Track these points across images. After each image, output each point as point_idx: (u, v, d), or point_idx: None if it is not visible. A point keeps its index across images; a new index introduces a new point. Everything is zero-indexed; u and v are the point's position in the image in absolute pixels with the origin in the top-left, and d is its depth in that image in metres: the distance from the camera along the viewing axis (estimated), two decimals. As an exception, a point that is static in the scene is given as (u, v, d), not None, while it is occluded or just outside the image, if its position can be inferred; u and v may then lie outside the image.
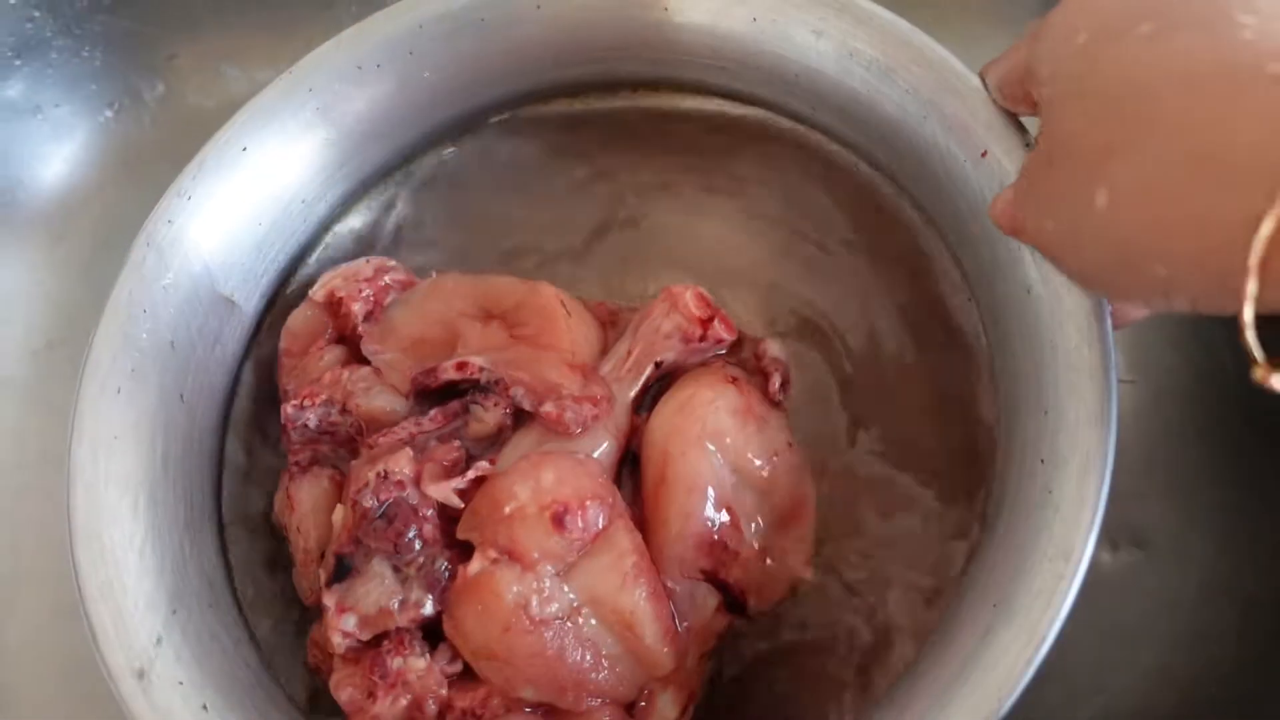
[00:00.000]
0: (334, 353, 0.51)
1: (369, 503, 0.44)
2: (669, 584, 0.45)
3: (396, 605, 0.43)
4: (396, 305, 0.52)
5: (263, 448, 0.53)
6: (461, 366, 0.47)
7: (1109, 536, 0.54)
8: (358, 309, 0.51)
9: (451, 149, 0.57)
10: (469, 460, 0.46)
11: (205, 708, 0.42)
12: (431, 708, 0.43)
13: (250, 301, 0.53)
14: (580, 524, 0.42)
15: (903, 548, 0.48)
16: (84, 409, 0.46)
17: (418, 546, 0.44)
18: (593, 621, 0.43)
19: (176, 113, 0.65)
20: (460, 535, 0.44)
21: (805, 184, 0.55)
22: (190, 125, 0.56)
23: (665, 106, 0.56)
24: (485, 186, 0.57)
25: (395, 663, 0.43)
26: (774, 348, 0.51)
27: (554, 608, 0.42)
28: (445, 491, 0.44)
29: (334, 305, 0.51)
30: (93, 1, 0.63)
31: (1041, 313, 0.43)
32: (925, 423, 0.50)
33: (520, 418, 0.47)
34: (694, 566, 0.45)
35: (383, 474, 0.44)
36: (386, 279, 0.52)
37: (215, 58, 0.65)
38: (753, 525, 0.47)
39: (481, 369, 0.46)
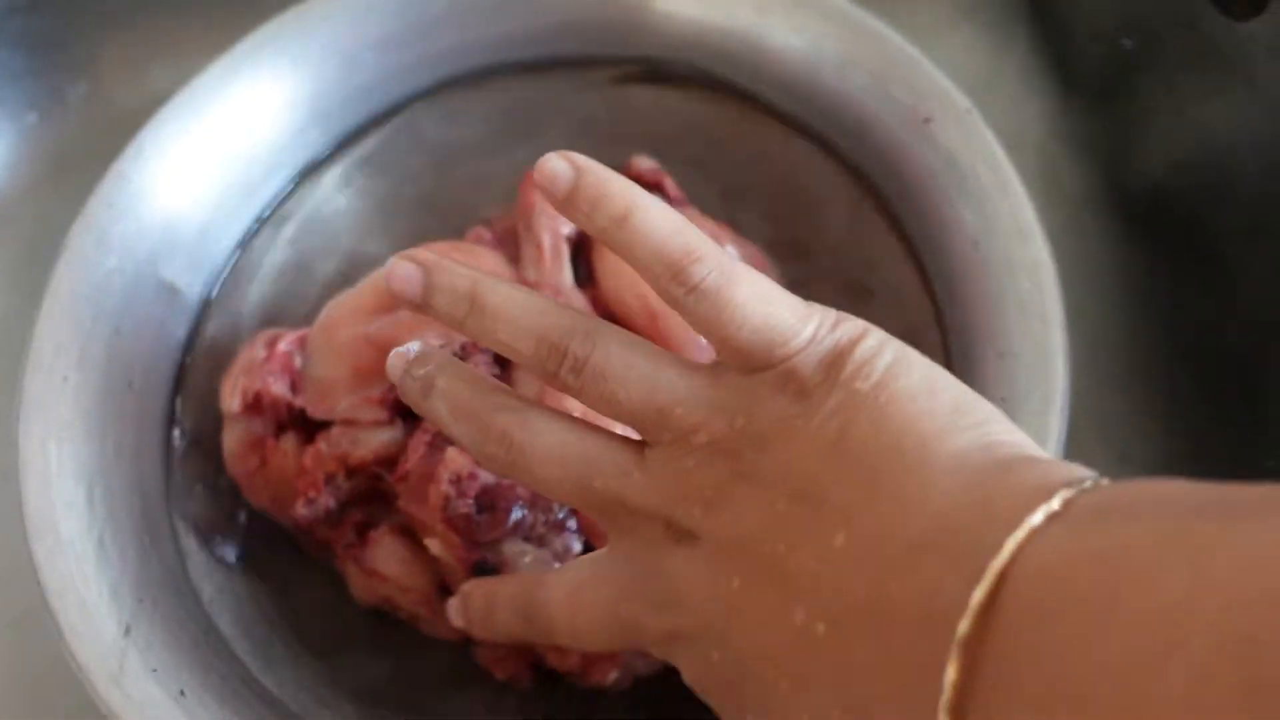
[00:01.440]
0: (290, 441, 0.49)
1: (464, 509, 0.43)
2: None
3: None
4: (310, 363, 0.49)
5: (212, 433, 0.52)
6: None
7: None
8: (279, 390, 0.49)
9: (396, 130, 0.57)
10: None
11: (183, 693, 0.41)
12: None
13: (194, 288, 0.52)
14: None
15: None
16: (30, 400, 0.45)
17: (527, 514, 0.43)
18: None
19: (103, 113, 0.64)
20: None
21: (744, 157, 0.57)
22: (118, 125, 0.54)
23: (599, 83, 0.58)
24: (427, 168, 0.57)
25: None
26: (643, 161, 0.52)
27: None
28: None
29: (255, 405, 0.49)
30: (9, 2, 0.61)
31: (990, 263, 0.46)
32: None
33: (502, 363, 0.47)
34: None
35: (454, 478, 0.43)
36: (282, 346, 0.50)
37: (141, 55, 0.64)
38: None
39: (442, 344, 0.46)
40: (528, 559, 0.44)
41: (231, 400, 0.48)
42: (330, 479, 0.47)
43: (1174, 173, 0.57)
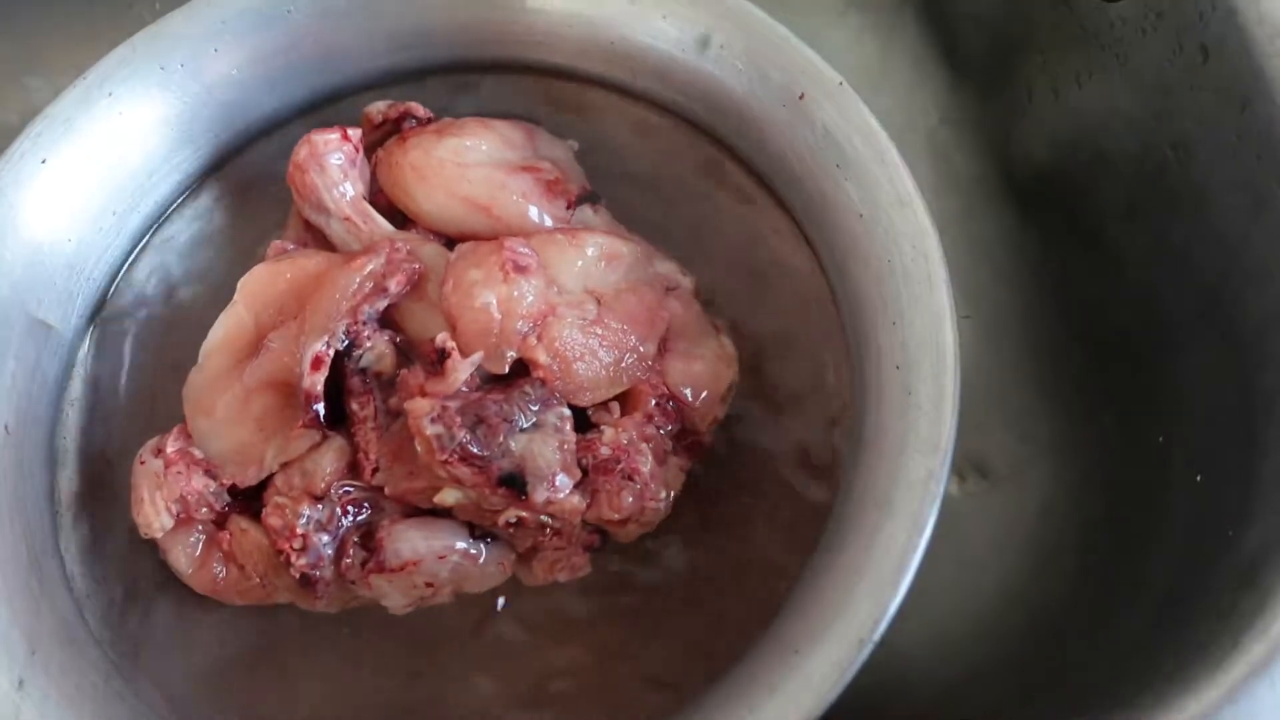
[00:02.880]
0: (239, 521, 0.48)
1: (460, 437, 0.44)
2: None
3: (569, 437, 0.46)
4: (208, 444, 0.48)
5: (101, 474, 0.51)
6: (317, 364, 0.46)
7: (956, 469, 0.59)
8: (200, 484, 0.48)
9: (271, 147, 0.56)
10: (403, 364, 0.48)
11: (85, 744, 0.40)
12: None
13: (68, 323, 0.51)
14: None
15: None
16: (-104, 450, 0.43)
17: (507, 405, 0.45)
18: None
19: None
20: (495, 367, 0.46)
21: (626, 146, 0.57)
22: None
23: (483, 84, 0.57)
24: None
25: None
26: (376, 105, 0.54)
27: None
28: (468, 365, 0.45)
29: (186, 512, 0.48)
30: None
31: (875, 234, 0.47)
32: (772, 358, 0.53)
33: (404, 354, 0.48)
34: None
35: (432, 418, 0.44)
36: (171, 448, 0.48)
37: (14, 68, 0.62)
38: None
39: (327, 344, 0.46)
40: (536, 444, 0.45)
41: (158, 521, 0.47)
42: (320, 528, 0.47)
43: (1056, 154, 0.59)
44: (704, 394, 0.50)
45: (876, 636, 0.39)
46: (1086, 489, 0.56)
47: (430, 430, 0.44)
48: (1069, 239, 0.57)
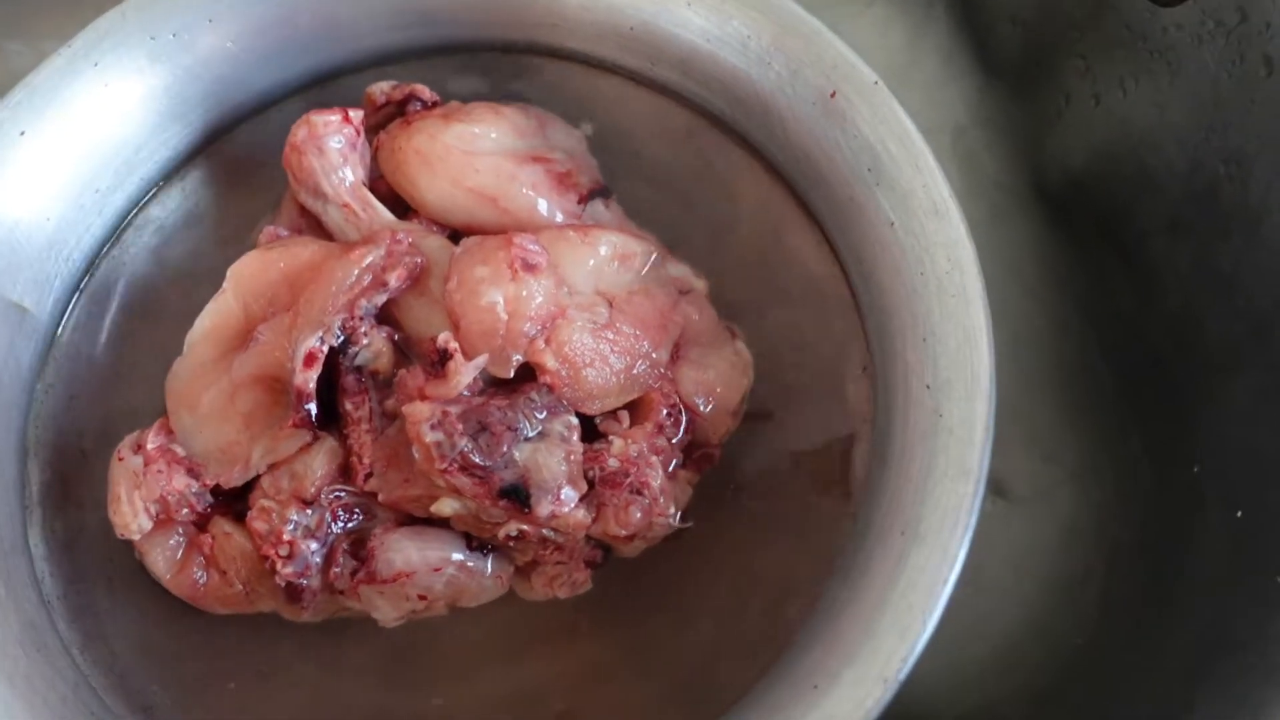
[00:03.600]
0: (222, 525, 0.46)
1: (461, 446, 0.42)
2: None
3: (576, 448, 0.44)
4: (191, 442, 0.46)
5: (75, 467, 0.48)
6: (310, 360, 0.44)
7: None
8: (181, 484, 0.45)
9: (266, 126, 0.53)
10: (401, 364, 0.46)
11: (50, 764, 0.38)
12: None
13: (44, 306, 0.48)
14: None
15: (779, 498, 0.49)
16: None
17: (511, 413, 0.43)
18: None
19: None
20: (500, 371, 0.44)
21: (646, 141, 0.54)
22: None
23: (492, 66, 0.55)
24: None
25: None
26: (380, 85, 0.52)
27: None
28: (472, 368, 0.43)
29: (165, 513, 0.45)
30: None
31: (907, 244, 0.45)
32: (791, 370, 0.51)
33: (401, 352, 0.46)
34: None
35: (433, 424, 0.42)
36: (151, 444, 0.46)
37: None
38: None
39: (321, 339, 0.44)
40: (542, 454, 0.43)
41: (135, 523, 0.45)
42: (309, 535, 0.45)
43: (1094, 162, 0.56)
44: (717, 404, 0.48)
45: (902, 676, 0.37)
46: (1113, 516, 0.54)
47: (429, 437, 0.42)
48: (1103, 253, 0.55)
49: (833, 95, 0.47)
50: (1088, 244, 0.57)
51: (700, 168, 0.54)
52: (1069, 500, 0.55)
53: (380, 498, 0.45)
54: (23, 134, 0.46)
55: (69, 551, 0.47)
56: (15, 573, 0.44)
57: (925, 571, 0.39)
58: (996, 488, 0.56)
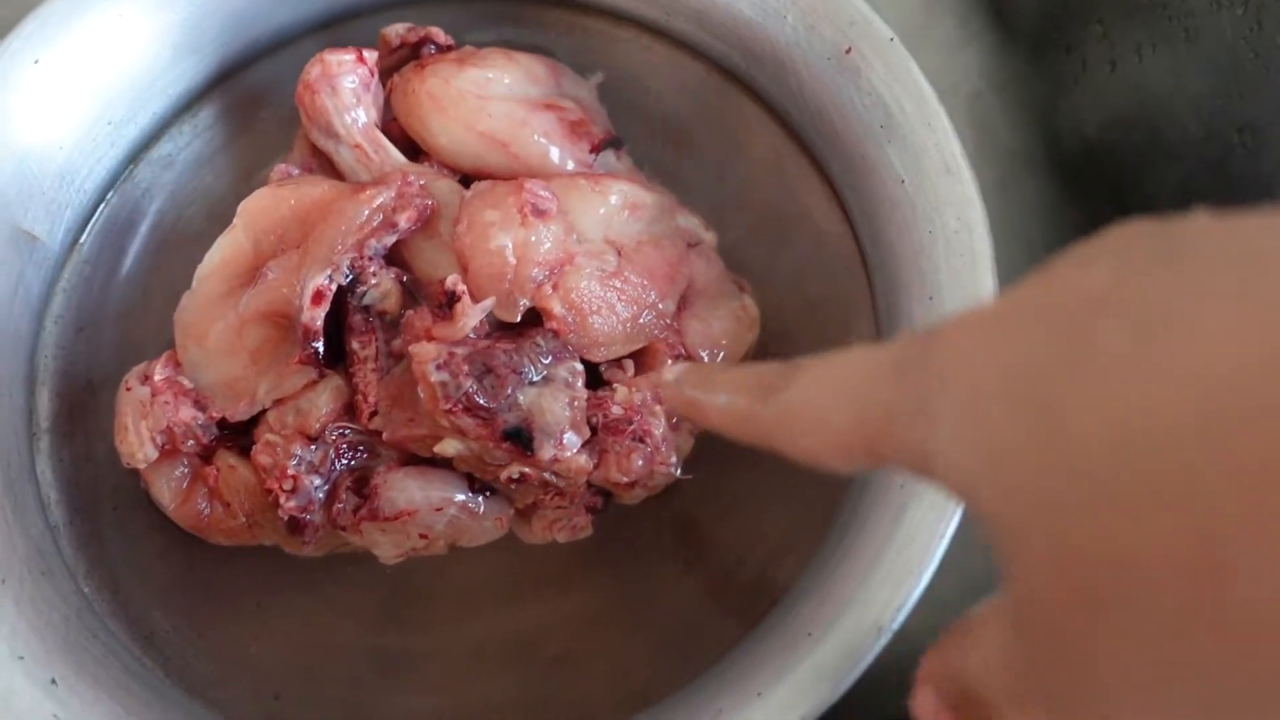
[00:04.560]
0: (227, 457, 0.47)
1: (466, 387, 0.42)
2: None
3: (580, 394, 0.44)
4: (199, 374, 0.46)
5: (83, 397, 0.48)
6: (318, 298, 0.44)
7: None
8: (187, 415, 0.45)
9: (279, 63, 0.53)
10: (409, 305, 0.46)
11: (54, 682, 0.38)
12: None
13: (55, 236, 0.48)
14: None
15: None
16: None
17: (517, 356, 0.43)
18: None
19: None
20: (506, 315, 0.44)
21: (656, 89, 0.54)
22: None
23: (507, 13, 0.55)
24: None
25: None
26: (394, 28, 0.52)
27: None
28: (479, 310, 0.43)
29: (171, 443, 0.45)
30: None
31: (917, 202, 0.45)
32: (797, 326, 0.51)
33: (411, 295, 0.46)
34: None
35: (439, 365, 0.42)
36: (158, 375, 0.46)
37: None
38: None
39: (330, 277, 0.44)
40: (546, 399, 0.43)
41: (141, 452, 0.45)
42: (312, 470, 0.45)
43: (1108, 128, 0.56)
44: (721, 356, 0.48)
45: (895, 625, 0.38)
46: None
47: (435, 377, 0.42)
48: (1114, 220, 0.55)
49: (848, 51, 0.47)
50: (1098, 211, 0.56)
51: (712, 121, 0.54)
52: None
53: (384, 436, 0.45)
54: (36, 63, 0.46)
55: (75, 479, 0.47)
56: (23, 498, 0.44)
57: (922, 526, 0.39)
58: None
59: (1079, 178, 0.57)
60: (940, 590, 0.41)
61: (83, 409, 0.49)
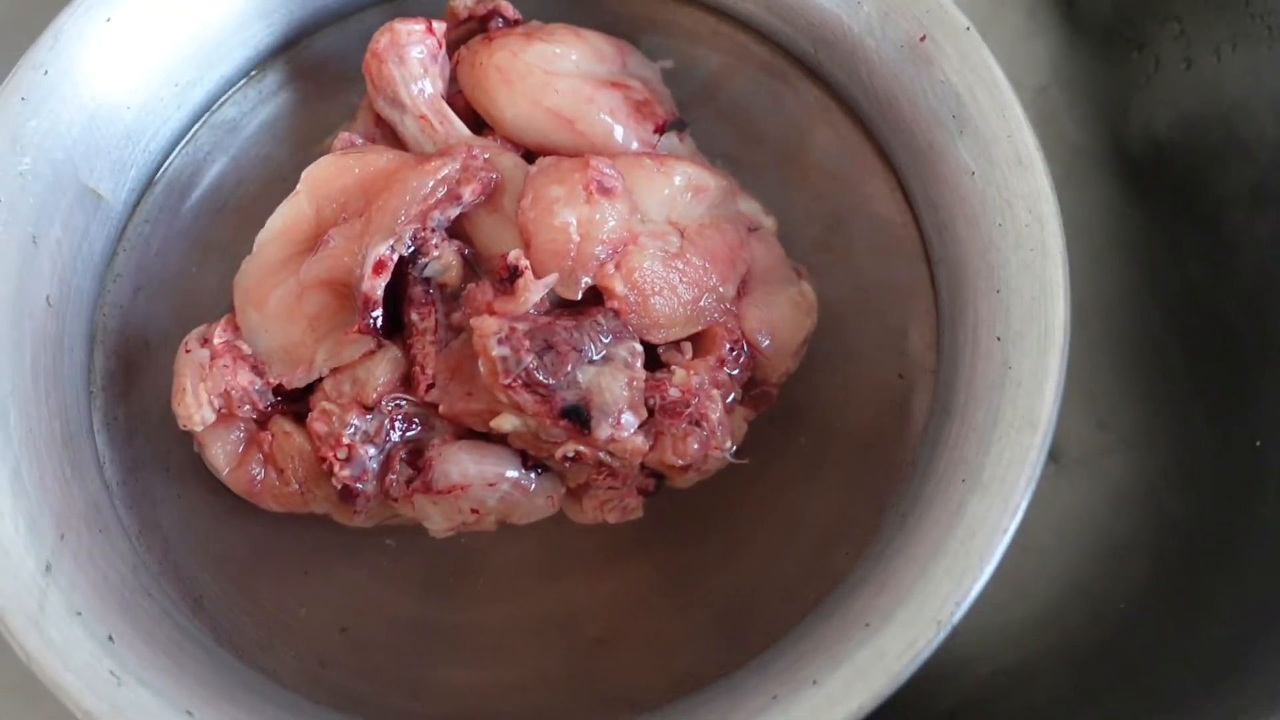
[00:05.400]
0: (282, 424, 0.47)
1: (527, 363, 0.42)
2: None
3: (639, 375, 0.44)
4: (257, 340, 0.46)
5: (140, 357, 0.49)
6: (379, 268, 0.44)
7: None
8: (245, 380, 0.46)
9: (345, 32, 0.53)
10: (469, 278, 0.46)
11: (111, 639, 0.38)
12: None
13: (119, 195, 0.48)
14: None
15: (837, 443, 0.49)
16: (-64, 314, 0.41)
17: (576, 333, 0.43)
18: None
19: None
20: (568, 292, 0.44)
21: (718, 71, 0.54)
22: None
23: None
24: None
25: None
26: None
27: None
28: (541, 286, 0.43)
29: (228, 407, 0.46)
30: None
31: (987, 194, 0.44)
32: (854, 315, 0.50)
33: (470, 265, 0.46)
34: None
35: (501, 339, 0.42)
36: (218, 339, 0.46)
37: None
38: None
39: (392, 248, 0.44)
40: (605, 378, 0.43)
41: (198, 414, 0.45)
42: (352, 427, 0.45)
43: (1180, 128, 0.55)
44: (779, 343, 0.48)
45: (955, 619, 0.38)
46: (1167, 486, 0.54)
47: (496, 351, 0.42)
48: (1178, 221, 0.55)
49: (922, 38, 0.46)
50: (1163, 211, 0.56)
51: (776, 106, 0.53)
52: (1122, 467, 0.55)
53: (440, 409, 0.45)
54: (109, 20, 0.46)
55: (130, 439, 0.48)
56: (80, 455, 0.44)
57: (985, 520, 0.39)
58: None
59: (1146, 177, 0.57)
60: (989, 591, 0.40)
61: (138, 368, 0.49)
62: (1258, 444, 0.49)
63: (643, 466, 0.46)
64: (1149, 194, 0.57)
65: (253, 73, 0.53)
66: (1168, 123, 0.55)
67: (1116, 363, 0.56)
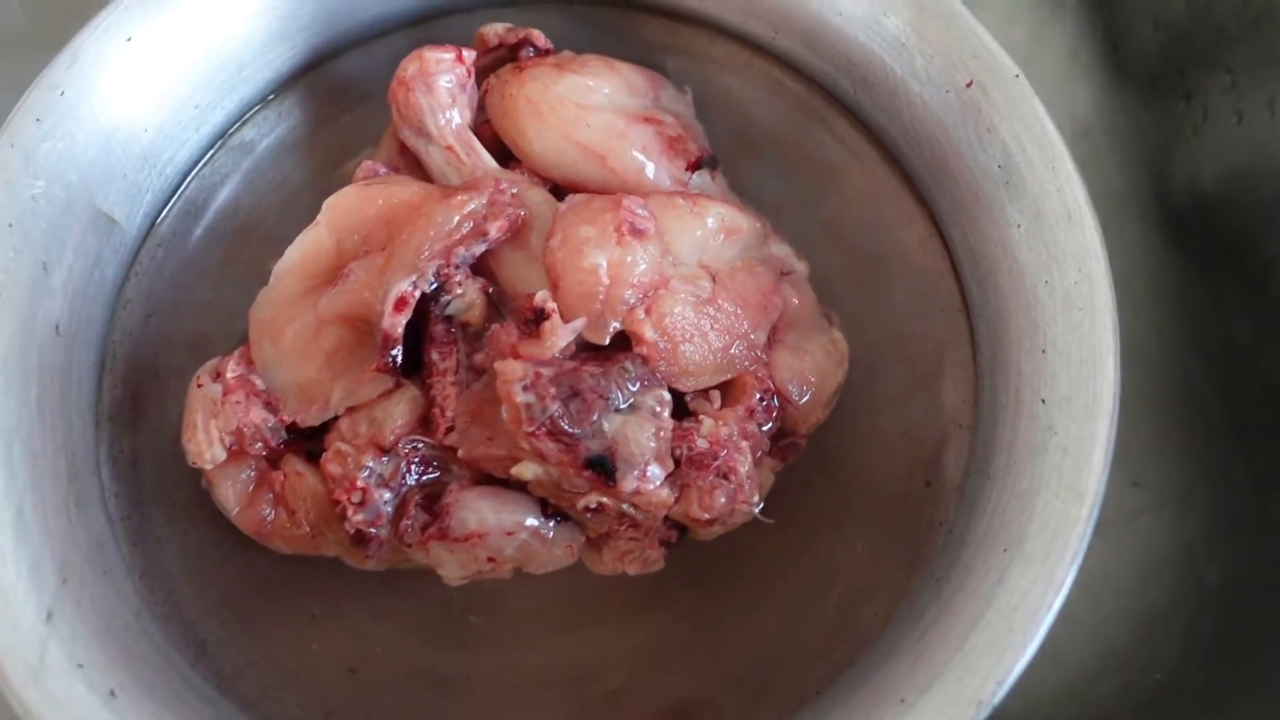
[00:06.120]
0: (294, 463, 0.45)
1: (552, 410, 0.40)
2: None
3: (667, 425, 0.42)
4: (271, 375, 0.45)
5: (148, 386, 0.47)
6: (400, 304, 0.43)
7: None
8: (258, 417, 0.44)
9: (370, 57, 0.52)
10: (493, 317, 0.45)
11: (113, 693, 0.37)
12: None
13: (133, 219, 0.47)
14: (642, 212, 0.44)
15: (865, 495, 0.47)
16: (-62, 341, 0.39)
17: (603, 380, 0.41)
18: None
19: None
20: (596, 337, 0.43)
21: (754, 114, 0.53)
22: (68, 11, 0.48)
23: (605, 19, 0.53)
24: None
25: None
26: (493, 27, 0.50)
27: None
28: (569, 331, 0.42)
29: (240, 445, 0.44)
30: None
31: (1034, 247, 0.43)
32: (886, 366, 0.49)
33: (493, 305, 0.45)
34: None
35: (526, 385, 0.41)
36: (231, 373, 0.45)
37: None
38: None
39: (414, 284, 0.43)
40: (632, 428, 0.42)
41: (209, 452, 0.44)
42: (367, 470, 0.43)
43: (1227, 182, 0.54)
44: (810, 393, 0.46)
45: (995, 700, 0.36)
46: (1205, 552, 0.52)
47: (521, 398, 0.41)
48: (1224, 278, 0.53)
49: (969, 85, 0.45)
50: (1208, 266, 0.54)
51: (811, 146, 0.52)
52: (1157, 530, 0.54)
53: (460, 454, 0.44)
54: (129, 40, 0.45)
55: (136, 472, 0.46)
56: (86, 490, 0.43)
57: (1029, 595, 0.37)
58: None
59: (1189, 230, 0.55)
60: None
61: (147, 398, 0.47)
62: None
63: (666, 518, 0.45)
64: (1193, 247, 0.55)
65: (273, 96, 0.51)
66: (1215, 176, 0.54)
67: (1153, 419, 0.55)
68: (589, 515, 0.44)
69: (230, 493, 0.44)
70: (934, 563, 0.43)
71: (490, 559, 0.44)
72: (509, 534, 0.44)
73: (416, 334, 0.44)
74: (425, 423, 0.44)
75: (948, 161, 0.46)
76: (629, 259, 0.43)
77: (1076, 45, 0.60)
